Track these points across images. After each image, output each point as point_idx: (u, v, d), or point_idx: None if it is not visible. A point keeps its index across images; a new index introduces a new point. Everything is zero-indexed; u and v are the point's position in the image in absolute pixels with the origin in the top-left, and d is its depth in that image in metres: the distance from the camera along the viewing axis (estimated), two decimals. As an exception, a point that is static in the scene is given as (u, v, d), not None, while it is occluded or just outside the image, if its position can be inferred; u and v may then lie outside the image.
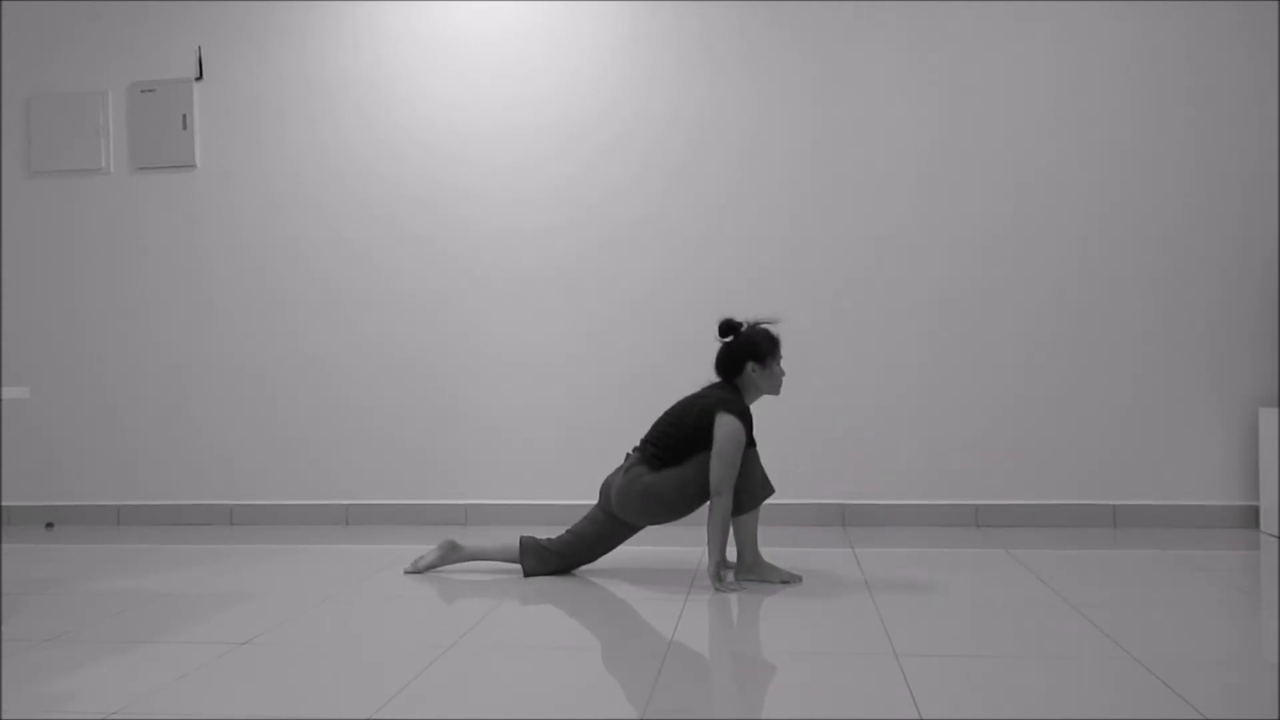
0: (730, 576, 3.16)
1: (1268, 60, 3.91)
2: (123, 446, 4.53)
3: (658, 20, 4.19)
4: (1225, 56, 3.93)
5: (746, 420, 3.02)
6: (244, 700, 2.05)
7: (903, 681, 2.09)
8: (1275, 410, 3.70)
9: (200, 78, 4.46)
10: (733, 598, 2.87)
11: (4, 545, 4.04)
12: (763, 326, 3.13)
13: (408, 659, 2.32)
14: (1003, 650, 2.30)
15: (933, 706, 1.94)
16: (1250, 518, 3.93)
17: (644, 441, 3.15)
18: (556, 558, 3.19)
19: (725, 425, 2.98)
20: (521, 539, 3.22)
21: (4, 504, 4.61)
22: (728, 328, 3.12)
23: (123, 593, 3.08)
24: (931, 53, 4.07)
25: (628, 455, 3.17)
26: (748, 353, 3.09)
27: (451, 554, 3.27)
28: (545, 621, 2.64)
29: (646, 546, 3.70)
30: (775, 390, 3.14)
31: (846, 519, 4.11)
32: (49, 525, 4.47)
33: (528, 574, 3.20)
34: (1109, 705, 1.93)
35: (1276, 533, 3.71)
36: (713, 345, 4.16)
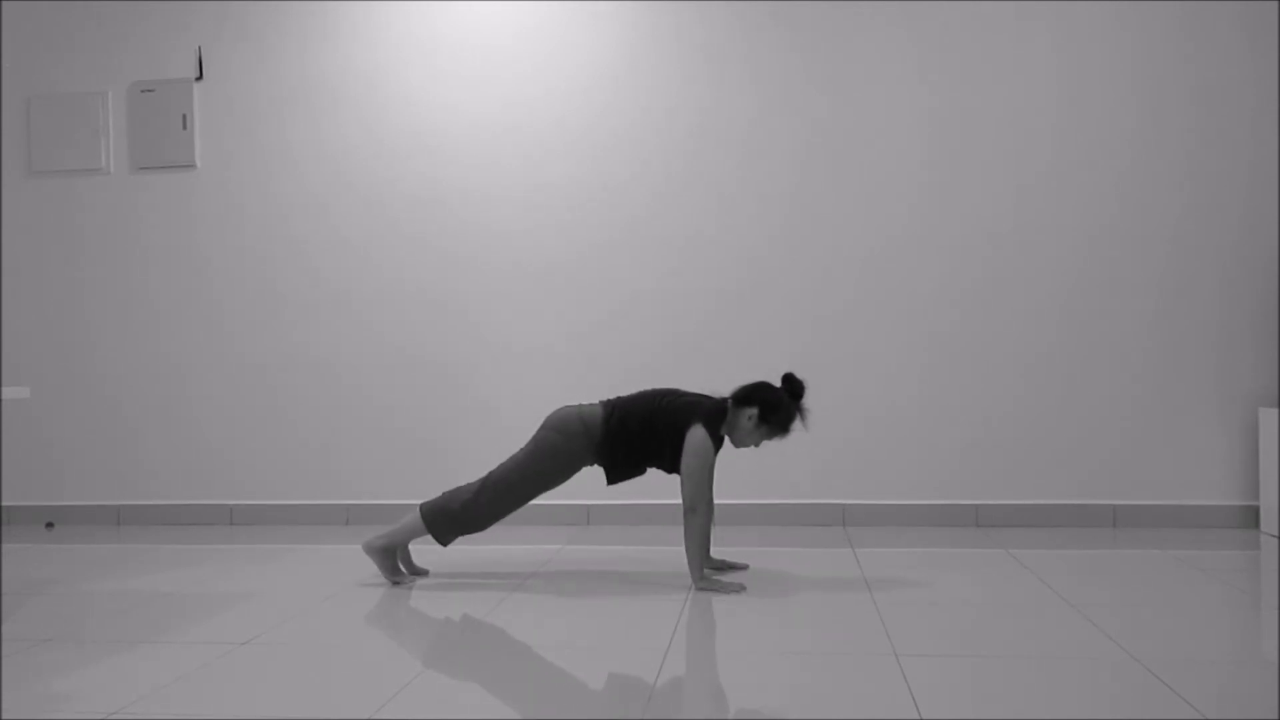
0: (730, 576, 3.16)
1: (1268, 60, 3.91)
2: (123, 446, 4.53)
3: (657, 20, 4.19)
4: (1225, 56, 3.93)
5: (716, 441, 2.99)
6: (244, 700, 2.05)
7: (903, 681, 2.09)
8: (1275, 410, 3.70)
9: (200, 78, 4.46)
10: (731, 598, 2.87)
11: (4, 545, 4.04)
12: (799, 413, 3.03)
13: (408, 659, 2.32)
14: (1003, 650, 2.30)
15: (933, 706, 1.94)
16: (1250, 518, 3.93)
17: (620, 415, 3.04)
18: (475, 520, 3.07)
19: (695, 439, 2.93)
20: (421, 508, 3.09)
21: (4, 504, 4.61)
22: (788, 379, 3.05)
23: (123, 593, 3.08)
24: (931, 53, 4.07)
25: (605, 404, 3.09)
26: (768, 405, 3.01)
27: (381, 555, 3.12)
28: (545, 621, 2.64)
29: (645, 547, 3.70)
30: (739, 444, 3.09)
31: (846, 519, 4.10)
32: (49, 525, 4.47)
33: (446, 544, 3.10)
34: (1109, 705, 1.93)
35: (1276, 533, 3.71)
36: (711, 342, 4.16)
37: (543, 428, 3.08)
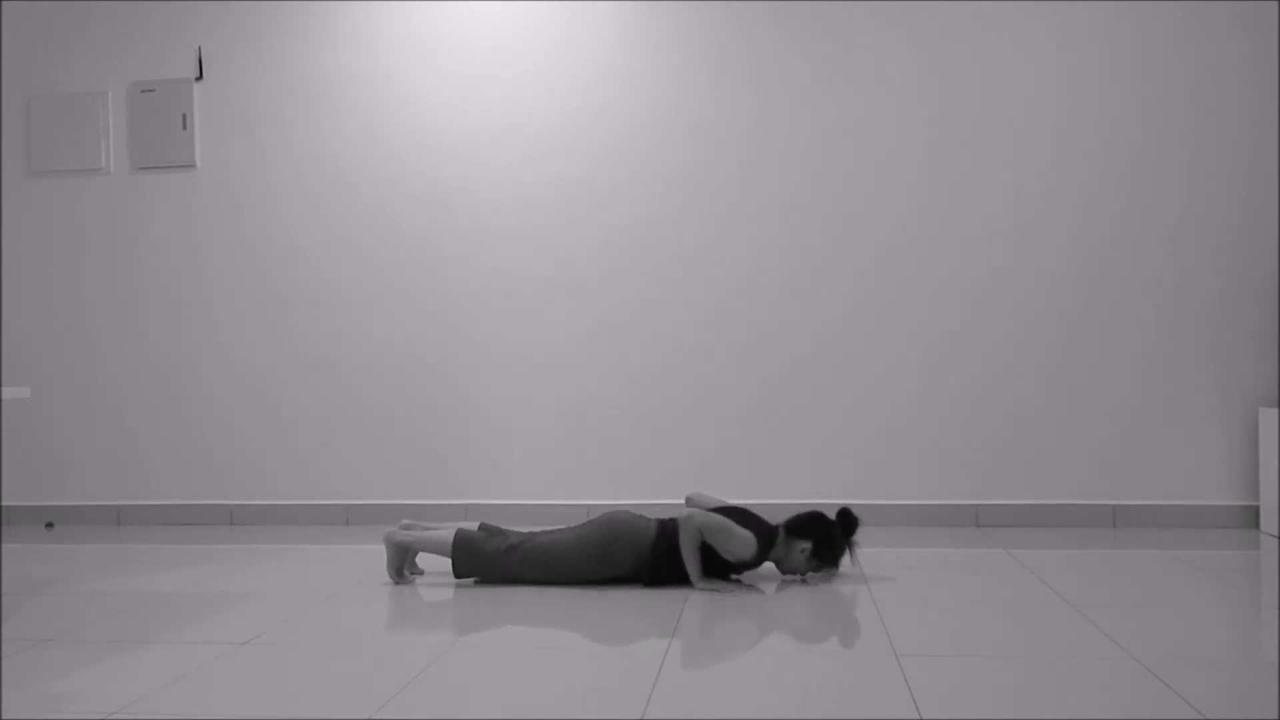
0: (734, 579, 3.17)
1: (1268, 60, 3.91)
2: (123, 446, 4.53)
3: (657, 20, 4.19)
4: (1225, 56, 3.93)
5: (754, 559, 2.98)
6: (244, 700, 2.05)
7: (903, 681, 2.09)
8: (1275, 410, 3.70)
9: (200, 78, 4.46)
10: (729, 599, 2.87)
11: (4, 545, 4.04)
12: (848, 550, 3.05)
13: (408, 659, 2.32)
14: (1003, 650, 2.30)
15: (933, 706, 1.94)
16: (1250, 518, 3.93)
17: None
18: (496, 571, 3.08)
19: (744, 532, 2.94)
20: (456, 532, 3.09)
21: (4, 504, 4.61)
22: (844, 515, 3.06)
23: (123, 593, 3.08)
24: (932, 53, 4.07)
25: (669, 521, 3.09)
26: (824, 541, 3.02)
27: (397, 550, 3.13)
28: (545, 621, 2.64)
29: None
30: (786, 571, 3.10)
31: (846, 519, 4.10)
32: (49, 525, 4.47)
33: (459, 576, 3.10)
34: (1109, 705, 1.93)
35: (1276, 533, 3.71)
36: (713, 343, 4.16)
37: (600, 523, 3.07)
